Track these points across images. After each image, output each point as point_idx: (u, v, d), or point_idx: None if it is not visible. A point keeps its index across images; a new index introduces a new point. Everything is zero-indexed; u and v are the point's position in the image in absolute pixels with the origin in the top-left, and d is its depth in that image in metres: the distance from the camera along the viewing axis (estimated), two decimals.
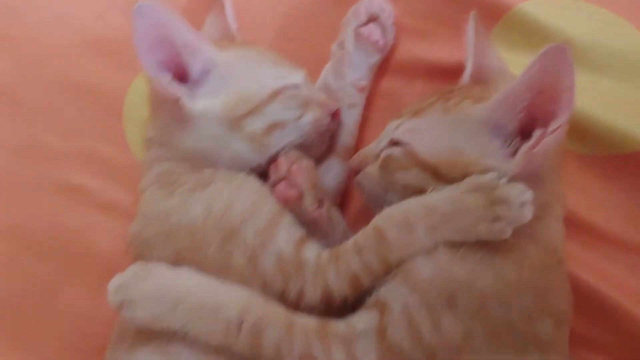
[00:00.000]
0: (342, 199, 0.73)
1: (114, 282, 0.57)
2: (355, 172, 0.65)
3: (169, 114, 0.63)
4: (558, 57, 0.50)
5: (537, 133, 0.52)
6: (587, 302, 0.64)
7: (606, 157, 0.68)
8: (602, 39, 0.70)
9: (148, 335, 0.57)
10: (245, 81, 0.65)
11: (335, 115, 0.69)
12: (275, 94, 0.65)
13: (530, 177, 0.54)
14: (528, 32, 0.72)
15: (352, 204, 0.73)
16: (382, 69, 0.76)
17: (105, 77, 0.81)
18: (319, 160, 0.70)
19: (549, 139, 0.52)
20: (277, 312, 0.56)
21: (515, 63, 0.70)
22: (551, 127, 0.51)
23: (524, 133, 0.54)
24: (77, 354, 0.72)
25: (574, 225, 0.65)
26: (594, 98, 0.66)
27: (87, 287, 0.74)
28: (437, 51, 0.75)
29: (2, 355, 0.72)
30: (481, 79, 0.65)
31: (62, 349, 0.73)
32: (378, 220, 0.58)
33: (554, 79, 0.51)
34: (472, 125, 0.56)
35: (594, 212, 0.67)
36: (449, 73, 0.71)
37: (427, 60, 0.75)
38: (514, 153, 0.54)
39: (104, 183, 0.77)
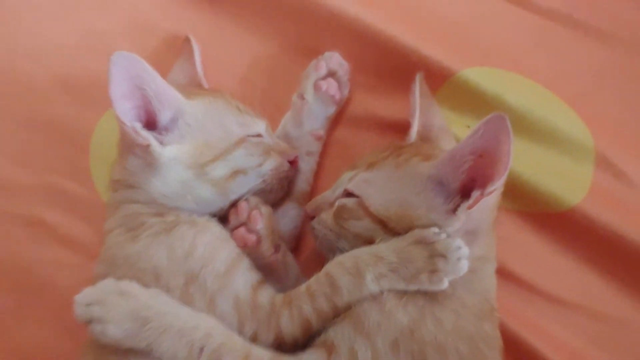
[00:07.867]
0: (297, 242, 0.77)
1: (83, 297, 0.59)
2: (310, 217, 0.69)
3: (138, 158, 0.66)
4: (499, 125, 0.55)
5: (475, 194, 0.58)
6: (512, 349, 0.69)
7: (538, 214, 0.75)
8: (533, 107, 0.77)
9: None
10: (211, 129, 0.68)
11: (293, 163, 0.74)
12: (239, 142, 0.69)
13: (467, 232, 0.60)
14: (469, 96, 0.78)
15: (305, 248, 0.77)
16: (336, 119, 0.81)
17: (73, 114, 0.82)
18: (276, 204, 0.74)
19: (485, 199, 0.58)
20: (236, 342, 0.59)
21: (456, 122, 0.78)
22: (488, 189, 0.57)
23: (465, 191, 0.59)
24: None
25: (505, 276, 0.71)
26: (527, 161, 0.74)
27: (44, 321, 0.74)
28: (388, 107, 0.80)
29: None
30: (426, 136, 0.72)
31: None
32: (330, 267, 0.62)
33: (494, 145, 0.56)
34: (420, 181, 0.61)
35: (523, 264, 0.73)
36: (397, 127, 0.77)
37: (377, 114, 0.81)
38: (455, 209, 0.59)
39: (66, 218, 0.78)
